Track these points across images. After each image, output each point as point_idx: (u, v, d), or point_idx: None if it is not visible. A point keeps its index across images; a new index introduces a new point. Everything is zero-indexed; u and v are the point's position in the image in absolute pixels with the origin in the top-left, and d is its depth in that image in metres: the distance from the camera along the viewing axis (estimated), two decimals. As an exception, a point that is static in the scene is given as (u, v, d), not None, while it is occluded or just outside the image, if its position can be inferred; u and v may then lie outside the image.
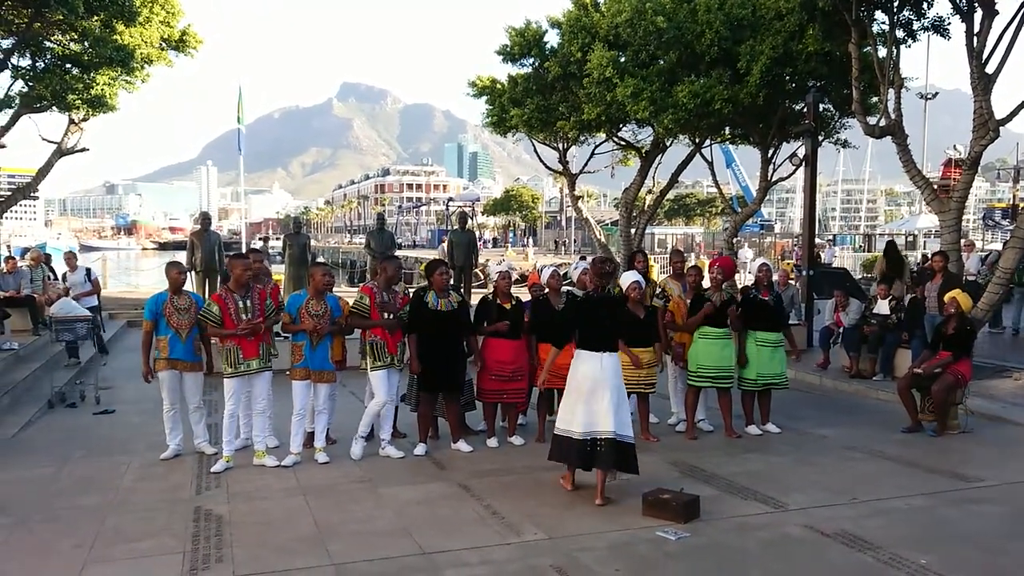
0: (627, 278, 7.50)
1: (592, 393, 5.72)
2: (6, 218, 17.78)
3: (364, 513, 5.59)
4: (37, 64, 15.04)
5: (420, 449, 7.07)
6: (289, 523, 5.39)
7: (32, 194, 16.93)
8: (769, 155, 14.75)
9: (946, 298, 8.07)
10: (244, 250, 13.81)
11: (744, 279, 19.23)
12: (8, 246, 21.87)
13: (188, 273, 14.83)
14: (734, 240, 17.06)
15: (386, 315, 6.84)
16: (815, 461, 6.96)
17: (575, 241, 54.99)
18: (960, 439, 7.67)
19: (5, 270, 13.23)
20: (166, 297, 6.90)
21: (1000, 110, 9.96)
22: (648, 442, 7.42)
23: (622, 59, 14.10)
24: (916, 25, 11.50)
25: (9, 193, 16.74)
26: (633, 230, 17.86)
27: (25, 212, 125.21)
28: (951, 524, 5.42)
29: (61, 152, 16.01)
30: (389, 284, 7.02)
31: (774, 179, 14.97)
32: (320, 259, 20.91)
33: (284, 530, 5.27)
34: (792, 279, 14.82)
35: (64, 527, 5.37)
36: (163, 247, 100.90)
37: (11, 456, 7.23)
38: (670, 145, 16.95)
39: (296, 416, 6.75)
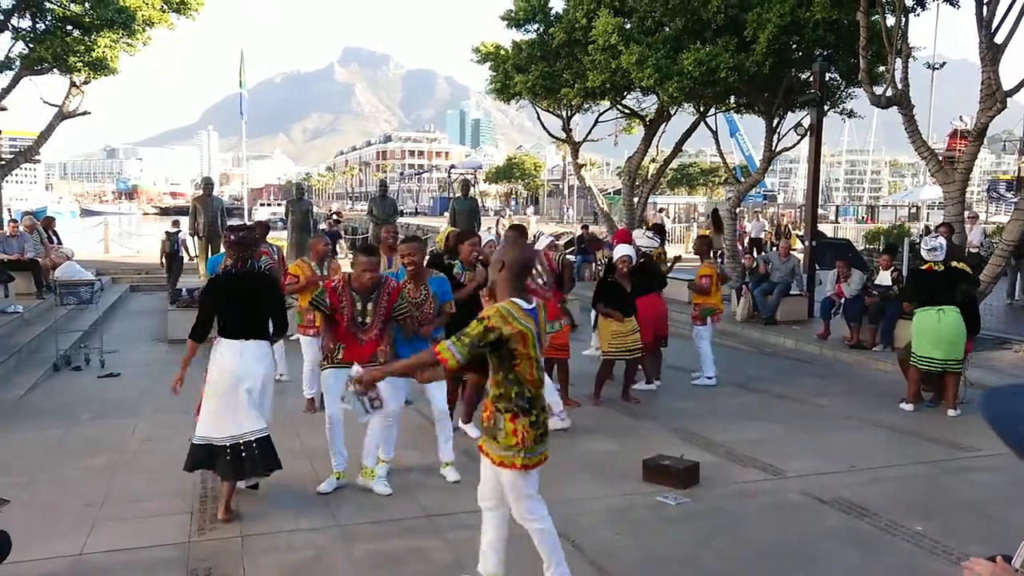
0: (618, 251, 7.86)
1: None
2: (7, 182, 17.73)
3: (368, 476, 5.66)
4: (37, 25, 14.94)
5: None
6: (295, 485, 5.47)
7: (34, 158, 16.90)
8: (774, 124, 14.65)
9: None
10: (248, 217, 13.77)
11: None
12: (9, 210, 21.83)
13: (192, 237, 14.97)
14: (736, 210, 16.96)
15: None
16: (814, 429, 7.04)
17: (564, 209, 55.26)
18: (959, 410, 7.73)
19: (8, 234, 13.25)
20: (222, 259, 7.07)
21: (1008, 81, 9.89)
22: (629, 404, 7.76)
23: (627, 26, 13.97)
24: (926, -7, 11.38)
25: (11, 156, 16.69)
26: (636, 199, 17.81)
27: (26, 176, 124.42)
28: (948, 492, 5.50)
29: (62, 115, 15.96)
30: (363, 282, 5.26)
31: (778, 149, 14.89)
32: (322, 226, 20.89)
33: (290, 492, 5.35)
34: (794, 250, 14.84)
35: (74, 487, 5.46)
36: (164, 212, 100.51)
37: (19, 418, 7.31)
38: (674, 114, 16.84)
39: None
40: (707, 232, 13.90)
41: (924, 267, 7.61)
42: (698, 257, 9.38)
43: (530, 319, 3.46)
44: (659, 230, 12.37)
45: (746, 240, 22.69)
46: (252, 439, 4.81)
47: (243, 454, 4.80)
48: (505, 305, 3.44)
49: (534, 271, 6.58)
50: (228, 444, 4.78)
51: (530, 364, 3.46)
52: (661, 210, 37.85)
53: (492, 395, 3.55)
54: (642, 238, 9.37)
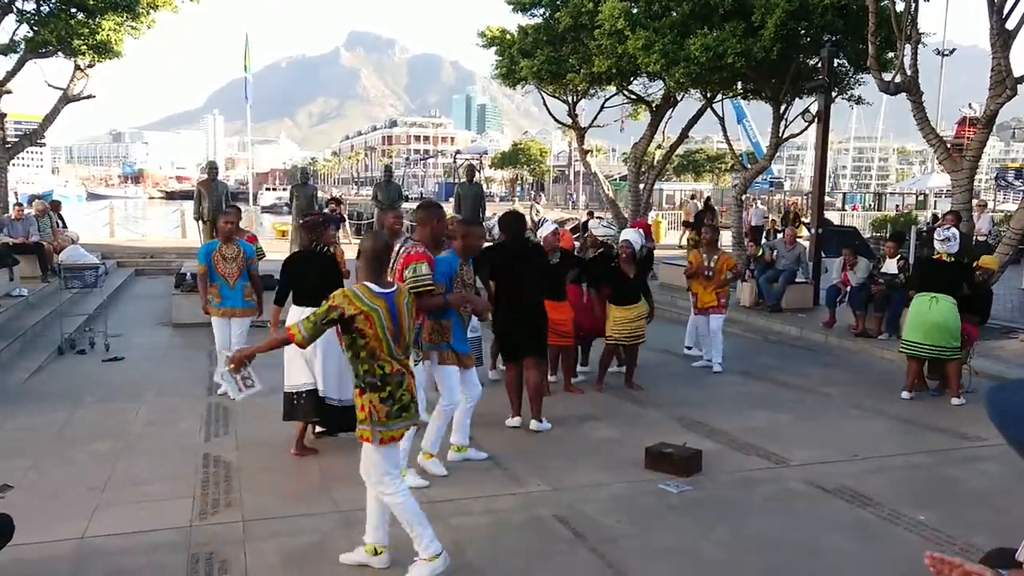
0: (622, 236, 7.91)
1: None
2: (13, 165, 17.74)
3: (371, 462, 5.66)
4: (42, 8, 14.91)
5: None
6: (296, 471, 5.49)
7: (39, 141, 16.89)
8: (781, 111, 14.54)
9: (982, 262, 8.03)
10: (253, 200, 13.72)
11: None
12: (15, 193, 21.86)
13: (197, 222, 14.93)
14: (743, 197, 16.87)
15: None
16: (818, 418, 7.02)
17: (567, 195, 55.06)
18: (963, 399, 7.70)
19: (13, 217, 13.26)
20: (216, 246, 7.17)
21: (1019, 67, 9.79)
22: (632, 391, 7.72)
23: (634, 10, 13.84)
24: (937, -22, 11.25)
25: (16, 139, 16.67)
26: (642, 185, 17.72)
27: (32, 159, 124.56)
28: (951, 482, 5.48)
29: (67, 98, 15.93)
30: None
31: (785, 136, 14.78)
32: (326, 210, 20.81)
33: (291, 477, 5.37)
34: (800, 237, 14.76)
35: (77, 471, 5.47)
36: (170, 196, 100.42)
37: (23, 401, 7.32)
38: (681, 99, 16.72)
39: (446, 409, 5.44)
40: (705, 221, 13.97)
41: (935, 256, 7.55)
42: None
43: (380, 301, 3.71)
44: (706, 217, 12.35)
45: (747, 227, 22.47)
46: (303, 391, 5.65)
47: (295, 402, 5.69)
48: (354, 287, 3.74)
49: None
50: (293, 392, 5.70)
51: (379, 343, 3.69)
52: (693, 197, 33.64)
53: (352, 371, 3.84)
54: (599, 227, 9.35)
